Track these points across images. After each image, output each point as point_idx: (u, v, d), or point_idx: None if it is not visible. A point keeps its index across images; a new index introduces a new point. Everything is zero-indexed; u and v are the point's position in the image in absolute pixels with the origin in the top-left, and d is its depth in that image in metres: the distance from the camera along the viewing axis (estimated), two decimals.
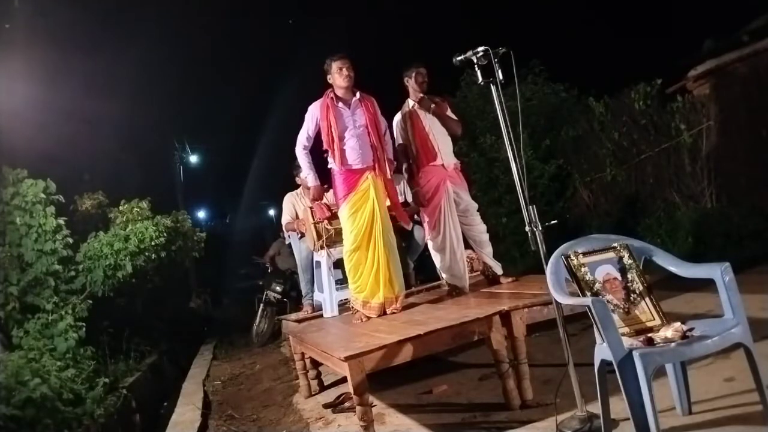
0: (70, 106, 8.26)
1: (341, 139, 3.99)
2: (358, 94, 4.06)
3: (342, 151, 3.98)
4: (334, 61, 3.98)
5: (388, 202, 4.15)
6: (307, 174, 4.27)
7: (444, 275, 4.50)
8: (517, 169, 2.74)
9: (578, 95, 8.44)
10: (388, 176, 4.10)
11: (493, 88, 2.76)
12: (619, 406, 2.33)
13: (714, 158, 6.11)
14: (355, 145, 3.99)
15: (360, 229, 3.96)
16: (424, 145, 4.35)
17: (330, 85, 4.06)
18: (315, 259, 5.22)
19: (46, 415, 4.21)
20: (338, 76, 3.97)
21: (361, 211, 3.97)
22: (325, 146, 4.05)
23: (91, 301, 6.14)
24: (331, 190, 4.36)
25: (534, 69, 8.52)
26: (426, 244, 4.86)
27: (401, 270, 4.15)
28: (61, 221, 6.07)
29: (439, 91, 4.68)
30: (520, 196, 2.74)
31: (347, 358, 2.93)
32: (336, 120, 3.98)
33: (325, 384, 4.73)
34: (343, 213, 4.04)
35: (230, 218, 32.38)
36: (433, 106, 4.38)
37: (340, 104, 4.03)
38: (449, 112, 4.50)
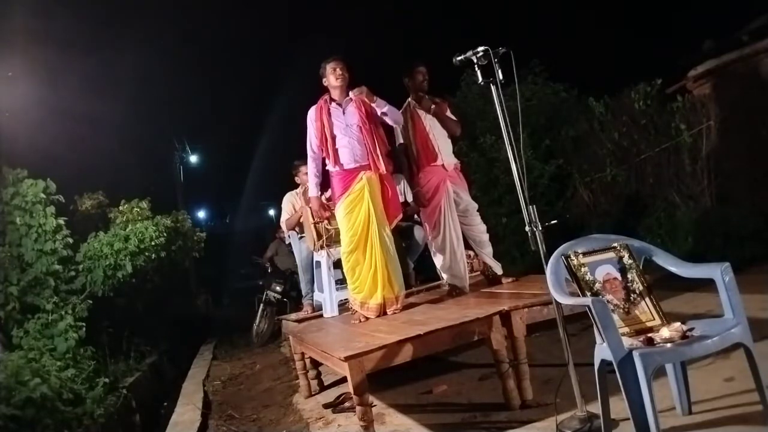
0: (70, 106, 8.26)
1: (334, 139, 4.03)
2: (350, 94, 4.08)
3: (335, 151, 4.03)
4: (328, 63, 4.04)
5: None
6: (309, 183, 4.34)
7: (444, 275, 4.50)
8: (517, 169, 2.74)
9: (578, 95, 8.42)
10: (383, 171, 4.05)
11: (493, 88, 2.76)
12: (619, 406, 2.33)
13: (714, 158, 6.10)
14: (347, 144, 4.02)
15: (356, 230, 3.97)
16: (425, 145, 4.35)
17: (328, 90, 4.11)
18: (315, 259, 5.22)
19: (46, 415, 4.22)
20: (332, 76, 4.02)
21: (356, 212, 3.98)
22: (318, 145, 4.10)
23: (91, 301, 6.15)
24: (329, 190, 4.36)
25: (534, 69, 8.50)
26: (426, 244, 4.86)
27: (401, 270, 4.15)
28: (61, 221, 6.08)
29: (439, 91, 4.68)
30: (520, 196, 2.74)
31: (347, 358, 2.93)
32: (329, 121, 4.04)
33: (325, 384, 4.73)
34: (339, 212, 4.06)
35: (230, 218, 32.40)
36: (433, 106, 4.38)
37: (333, 105, 4.08)
38: (449, 113, 4.51)
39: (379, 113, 4.04)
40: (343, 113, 4.06)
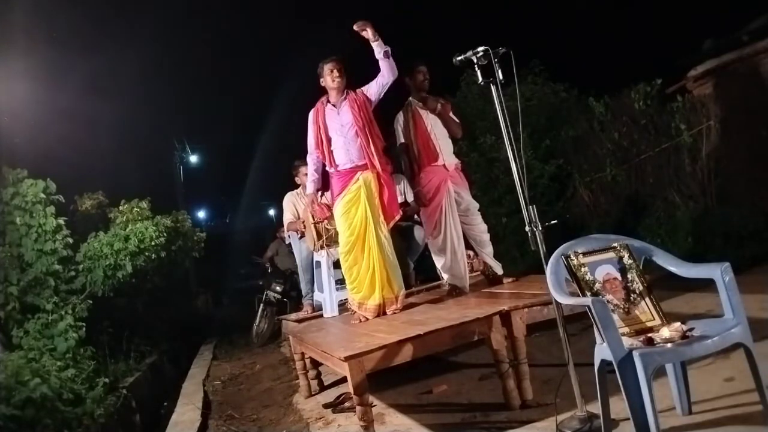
0: (70, 106, 8.27)
1: (329, 140, 4.07)
2: (345, 93, 4.07)
3: (330, 153, 4.06)
4: (325, 64, 4.05)
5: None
6: (307, 180, 4.39)
7: (444, 275, 4.50)
8: (517, 169, 2.74)
9: (578, 95, 8.42)
10: (379, 169, 4.01)
11: (493, 88, 2.76)
12: (619, 406, 2.33)
13: (714, 158, 6.10)
14: (343, 145, 4.03)
15: (353, 231, 3.97)
16: (426, 145, 4.35)
17: (326, 91, 4.13)
18: (315, 259, 5.22)
19: (46, 415, 4.22)
20: (329, 77, 4.04)
21: (352, 212, 3.98)
22: (315, 148, 4.13)
23: (91, 301, 6.14)
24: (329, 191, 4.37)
25: (534, 69, 8.51)
26: (426, 244, 4.85)
27: (399, 270, 4.14)
28: (61, 221, 6.07)
29: (439, 91, 4.68)
30: (520, 196, 2.74)
31: (347, 358, 2.93)
32: (324, 123, 4.07)
33: (325, 384, 4.73)
34: (336, 212, 4.08)
35: (230, 218, 32.43)
36: (438, 106, 4.38)
37: (329, 106, 4.09)
38: (451, 114, 4.51)
39: (380, 53, 3.86)
40: (338, 113, 4.07)
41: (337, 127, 4.04)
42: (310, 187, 4.33)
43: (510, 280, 4.31)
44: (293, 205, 5.76)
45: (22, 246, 5.85)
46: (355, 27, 3.81)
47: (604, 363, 2.30)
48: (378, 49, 3.87)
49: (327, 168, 4.14)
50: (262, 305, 8.15)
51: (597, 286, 2.47)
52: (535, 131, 7.82)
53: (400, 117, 4.47)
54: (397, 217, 4.23)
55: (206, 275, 16.88)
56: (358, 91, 4.09)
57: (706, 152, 6.13)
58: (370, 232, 3.95)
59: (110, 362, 6.26)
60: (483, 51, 2.75)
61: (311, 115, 4.16)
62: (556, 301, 2.58)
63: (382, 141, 4.13)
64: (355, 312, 4.07)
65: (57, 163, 7.29)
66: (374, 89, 4.05)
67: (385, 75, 3.97)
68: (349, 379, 2.98)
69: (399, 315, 3.92)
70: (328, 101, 4.11)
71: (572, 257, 2.51)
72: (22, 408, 4.10)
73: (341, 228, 4.05)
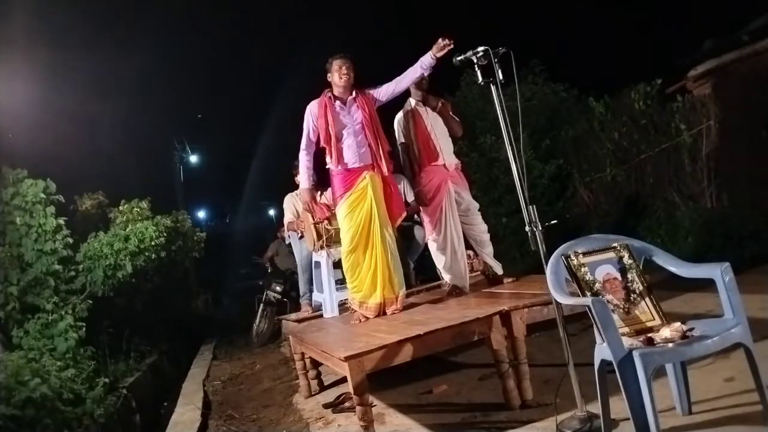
0: (70, 106, 8.27)
1: (338, 138, 4.00)
2: (354, 93, 4.05)
3: (339, 150, 3.99)
4: (335, 60, 4.01)
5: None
6: (301, 176, 4.29)
7: (445, 275, 4.50)
8: (517, 169, 2.74)
9: (578, 95, 8.44)
10: (385, 172, 4.02)
11: (493, 88, 2.76)
12: (619, 406, 2.33)
13: (714, 158, 6.10)
14: (352, 143, 3.99)
15: (357, 229, 3.95)
16: (426, 145, 4.36)
17: (330, 85, 4.08)
18: (315, 259, 5.22)
19: (46, 415, 4.22)
20: (337, 74, 4.00)
21: (358, 210, 3.96)
22: (322, 144, 4.07)
23: (91, 301, 6.14)
24: (329, 190, 4.36)
25: (534, 69, 8.52)
26: (426, 244, 4.86)
27: (401, 269, 4.14)
28: (61, 221, 6.07)
29: (439, 91, 4.68)
30: (520, 196, 2.74)
31: (347, 358, 2.93)
32: (333, 119, 3.99)
33: (325, 384, 4.73)
34: (340, 212, 4.04)
35: (230, 218, 32.43)
36: (439, 104, 4.38)
37: (338, 103, 4.04)
38: (451, 113, 4.51)
39: (427, 67, 3.84)
40: (348, 112, 4.03)
41: (347, 126, 4.00)
42: (306, 182, 4.19)
43: (510, 280, 4.31)
44: (293, 206, 5.77)
45: (22, 246, 5.84)
46: (445, 37, 3.70)
47: (604, 363, 2.30)
48: (429, 62, 3.83)
49: (331, 166, 4.05)
50: (262, 305, 8.15)
51: (597, 286, 2.47)
52: (535, 131, 7.83)
53: (401, 116, 4.48)
54: (402, 216, 4.24)
55: (206, 275, 16.86)
56: (366, 91, 4.07)
57: (706, 152, 6.14)
58: (375, 231, 3.93)
59: (110, 362, 6.25)
60: (483, 51, 2.75)
61: (316, 108, 4.04)
62: (556, 301, 2.58)
63: (389, 146, 4.13)
64: (356, 311, 4.07)
65: (57, 163, 7.28)
66: (385, 92, 4.04)
67: (403, 84, 4.01)
68: (349, 379, 2.98)
69: (399, 315, 3.92)
70: (334, 96, 4.05)
71: (572, 257, 2.51)
72: (22, 408, 4.10)
73: (345, 227, 4.01)
